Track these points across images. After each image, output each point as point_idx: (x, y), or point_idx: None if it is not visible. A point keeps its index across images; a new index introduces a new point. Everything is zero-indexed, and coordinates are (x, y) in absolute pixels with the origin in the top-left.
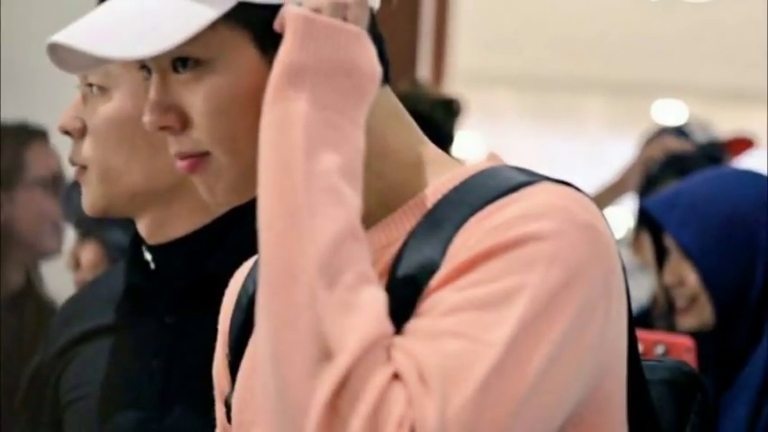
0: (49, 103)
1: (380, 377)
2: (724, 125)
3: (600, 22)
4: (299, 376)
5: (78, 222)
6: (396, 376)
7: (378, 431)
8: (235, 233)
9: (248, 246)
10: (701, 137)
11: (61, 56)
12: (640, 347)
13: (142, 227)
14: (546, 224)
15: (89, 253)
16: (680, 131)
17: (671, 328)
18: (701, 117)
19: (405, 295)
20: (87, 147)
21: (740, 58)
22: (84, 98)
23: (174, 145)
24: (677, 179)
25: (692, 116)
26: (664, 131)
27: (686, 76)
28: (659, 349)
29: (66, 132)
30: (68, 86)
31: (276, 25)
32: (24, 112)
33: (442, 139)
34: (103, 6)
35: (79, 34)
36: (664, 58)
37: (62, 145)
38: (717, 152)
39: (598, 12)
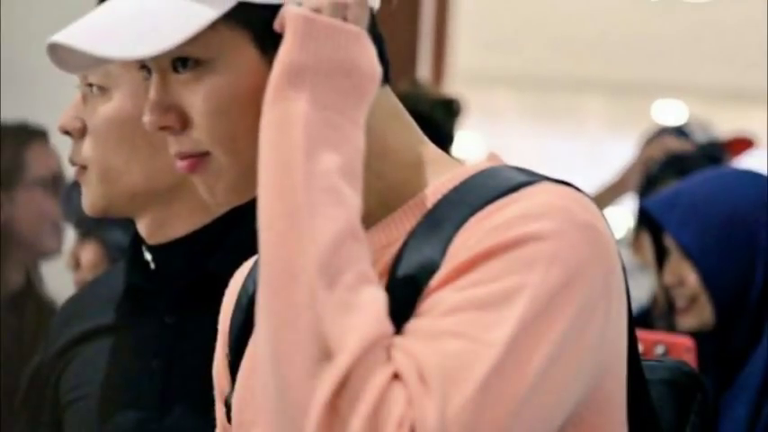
0: (49, 103)
1: (380, 377)
2: (724, 125)
3: (600, 22)
4: (299, 376)
5: (78, 222)
6: (396, 376)
7: (378, 431)
8: (235, 233)
9: (248, 246)
10: (701, 137)
11: (61, 56)
12: (640, 347)
13: (142, 227)
14: (546, 224)
15: (89, 253)
16: (680, 131)
17: (671, 328)
18: (701, 117)
19: (405, 295)
20: (87, 147)
21: (740, 58)
22: (84, 98)
23: (174, 145)
24: (677, 179)
25: (692, 116)
26: (664, 131)
27: (686, 76)
28: (659, 349)
29: (66, 132)
30: (68, 86)
31: (276, 25)
32: (24, 112)
33: (442, 139)
34: (103, 6)
35: (79, 34)
36: (664, 58)
37: (62, 145)
38: (717, 152)
39: (598, 12)
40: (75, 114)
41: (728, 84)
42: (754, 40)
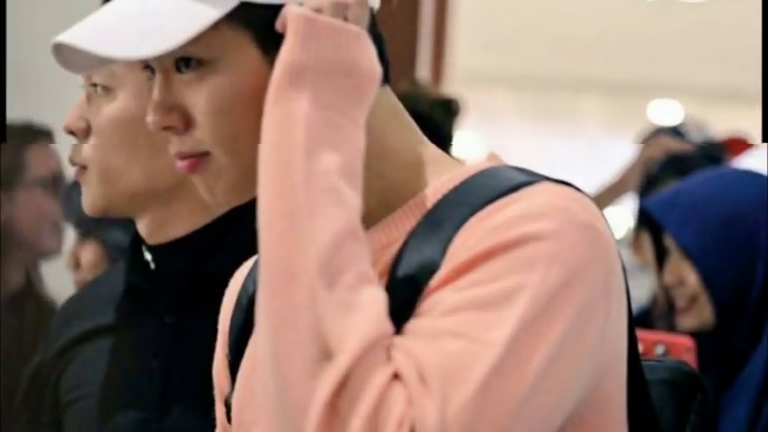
0: (55, 102)
1: (380, 377)
2: (719, 125)
3: (598, 22)
4: (299, 376)
5: (78, 222)
6: (396, 376)
7: (378, 431)
8: (235, 233)
9: (248, 246)
10: (696, 137)
11: (66, 56)
12: (640, 347)
13: (142, 227)
14: (546, 224)
15: (89, 253)
16: (676, 131)
17: (671, 328)
18: (697, 117)
19: (405, 295)
20: (89, 147)
21: (735, 58)
22: (89, 98)
23: (175, 145)
24: (677, 179)
25: (688, 116)
26: (660, 131)
27: (682, 76)
28: (659, 349)
29: (71, 132)
30: (73, 86)
31: (278, 25)
32: (30, 111)
33: (442, 139)
34: (107, 6)
35: (83, 34)
36: (660, 58)
37: (63, 145)
38: (716, 152)
39: (596, 12)
40: (79, 114)
41: (724, 84)
42: (749, 41)
